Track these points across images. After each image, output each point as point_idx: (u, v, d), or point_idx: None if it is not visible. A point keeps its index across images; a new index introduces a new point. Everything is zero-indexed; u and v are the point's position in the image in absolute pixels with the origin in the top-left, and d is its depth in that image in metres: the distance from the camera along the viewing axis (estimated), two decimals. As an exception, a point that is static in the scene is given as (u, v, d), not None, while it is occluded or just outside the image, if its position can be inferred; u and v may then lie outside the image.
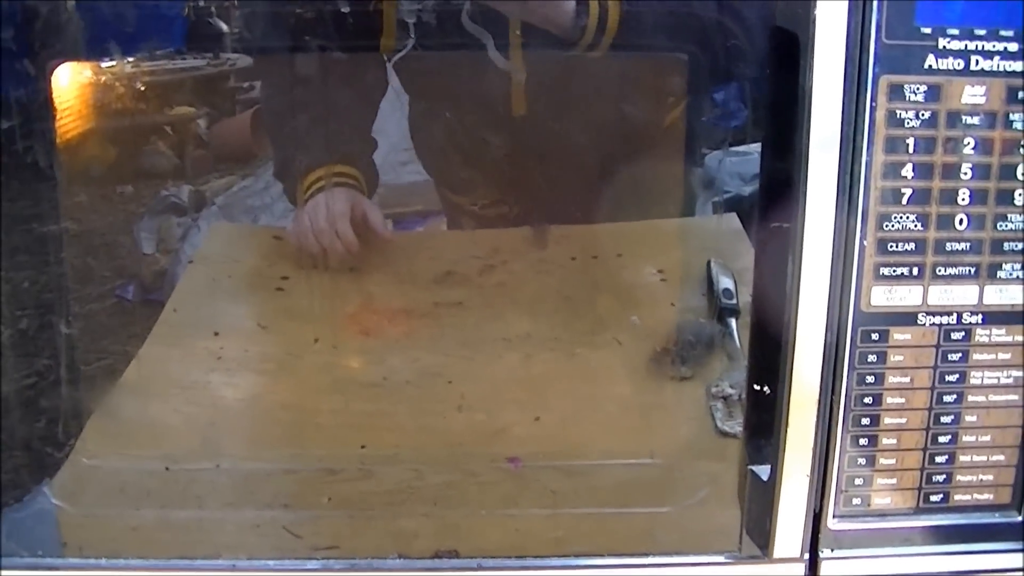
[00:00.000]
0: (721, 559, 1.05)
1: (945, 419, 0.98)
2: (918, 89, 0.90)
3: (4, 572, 1.08)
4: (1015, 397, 0.98)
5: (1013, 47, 0.90)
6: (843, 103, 0.90)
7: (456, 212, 1.71)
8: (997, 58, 0.90)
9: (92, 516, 1.16)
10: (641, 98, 1.48)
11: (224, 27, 1.28)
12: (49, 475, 1.18)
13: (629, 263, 1.47)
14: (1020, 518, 1.02)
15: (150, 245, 1.49)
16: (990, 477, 1.01)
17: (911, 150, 0.91)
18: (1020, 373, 0.98)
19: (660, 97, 1.47)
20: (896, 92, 0.90)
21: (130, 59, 1.28)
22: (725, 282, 1.35)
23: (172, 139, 1.54)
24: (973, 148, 0.91)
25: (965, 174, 0.92)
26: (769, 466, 0.99)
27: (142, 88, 1.33)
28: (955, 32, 0.89)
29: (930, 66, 0.90)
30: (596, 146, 1.55)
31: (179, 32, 1.29)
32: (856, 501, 1.00)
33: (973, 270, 0.94)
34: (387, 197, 1.55)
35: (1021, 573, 1.04)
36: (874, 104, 0.90)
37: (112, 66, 1.28)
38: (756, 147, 1.00)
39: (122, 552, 1.08)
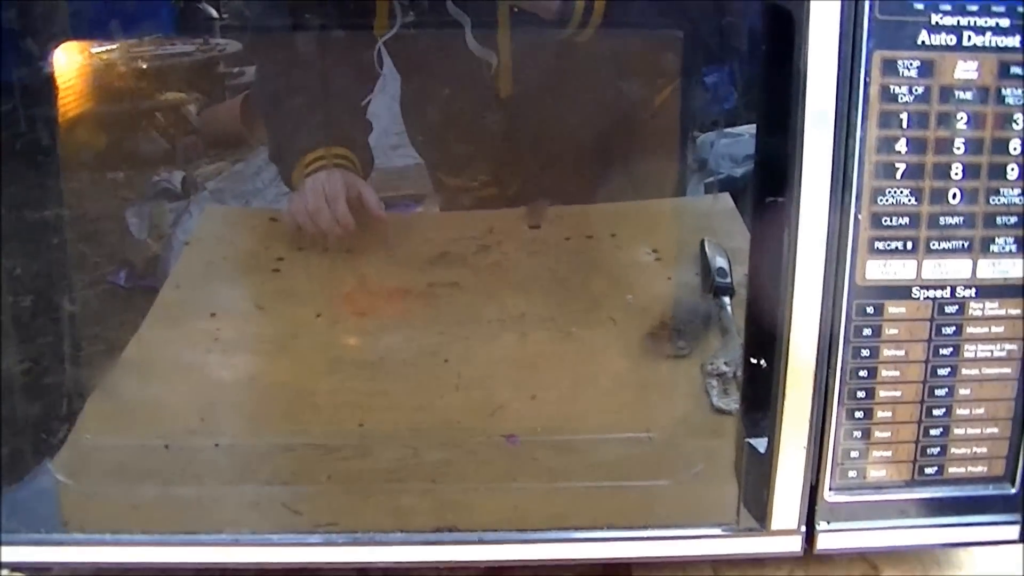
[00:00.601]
0: (718, 532, 1.06)
1: (939, 392, 0.99)
2: (911, 64, 0.91)
3: (7, 549, 1.08)
4: (1008, 370, 0.99)
5: (1005, 22, 0.90)
6: (837, 79, 0.90)
7: (449, 194, 1.71)
8: (989, 33, 0.91)
9: (93, 494, 1.17)
10: (633, 77, 1.48)
11: (214, 12, 1.29)
12: (50, 455, 1.19)
13: (623, 243, 1.48)
14: (1014, 490, 1.03)
15: (142, 231, 1.49)
16: (984, 450, 1.02)
17: (904, 125, 0.92)
18: (1013, 346, 0.99)
19: (653, 75, 1.47)
20: (889, 67, 0.91)
21: (120, 43, 1.28)
22: (719, 261, 1.36)
23: (163, 125, 1.54)
24: (966, 123, 0.92)
25: (958, 149, 0.93)
26: (766, 439, 1.00)
27: (133, 74, 1.34)
28: (947, 8, 0.90)
29: (923, 42, 0.91)
30: (587, 126, 1.55)
31: (169, 18, 1.30)
32: (852, 474, 1.01)
33: (966, 244, 0.95)
34: (379, 181, 1.55)
35: (1015, 544, 1.06)
36: (868, 80, 0.91)
37: (104, 51, 1.29)
38: (748, 129, 1.01)
39: (124, 529, 1.09)
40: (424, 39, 1.34)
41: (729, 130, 1.29)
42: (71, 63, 1.22)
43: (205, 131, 1.58)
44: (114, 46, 1.29)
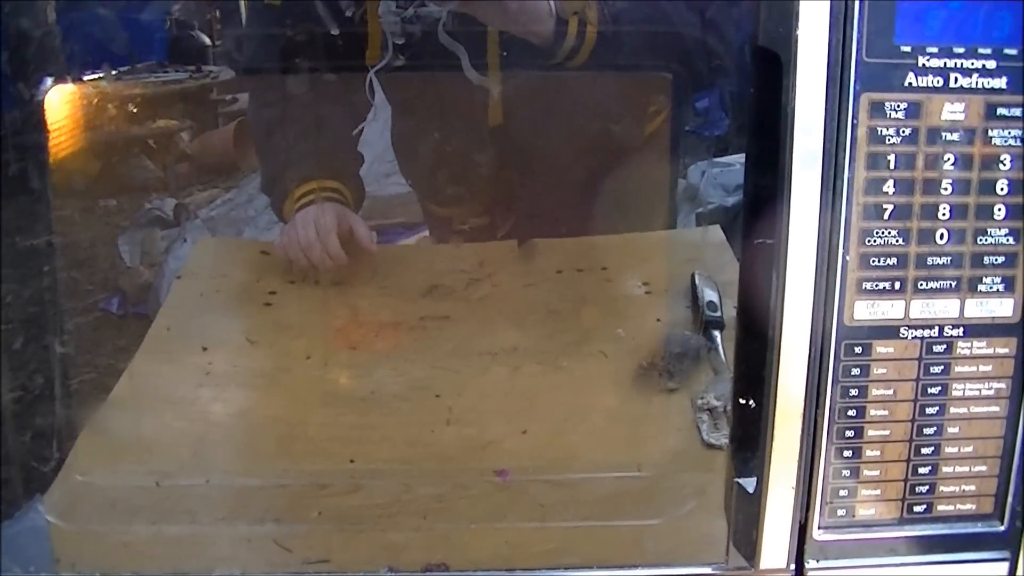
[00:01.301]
0: (708, 570, 1.06)
1: (928, 431, 0.99)
2: (899, 106, 0.91)
3: (-4, 587, 1.08)
4: (996, 409, 1.00)
5: (991, 64, 0.91)
6: (825, 120, 0.91)
7: (440, 226, 1.71)
8: (976, 75, 0.91)
9: (85, 532, 1.17)
10: (622, 111, 1.49)
11: (207, 41, 1.29)
12: (41, 490, 1.19)
13: (614, 276, 1.48)
14: (1002, 527, 1.03)
15: (134, 258, 1.49)
16: (972, 487, 1.02)
17: (892, 166, 0.92)
18: (1001, 385, 0.99)
19: (642, 111, 1.48)
20: (877, 109, 0.91)
21: (114, 72, 1.29)
22: (709, 295, 1.36)
23: (155, 152, 1.55)
24: (953, 164, 0.93)
25: (945, 189, 0.93)
26: (755, 478, 1.00)
27: (126, 102, 1.34)
28: (934, 50, 0.90)
29: (910, 83, 0.91)
30: (577, 158, 1.55)
31: (161, 46, 1.30)
32: (841, 512, 1.01)
33: (954, 284, 0.95)
34: (371, 209, 1.55)
35: (1004, 581, 1.06)
36: (855, 121, 0.91)
37: (97, 79, 1.29)
38: (738, 158, 1.01)
39: (115, 567, 1.09)
40: (415, 70, 1.34)
41: (720, 160, 1.29)
42: (63, 91, 1.22)
43: (198, 158, 1.59)
44: (109, 75, 1.30)
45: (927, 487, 1.02)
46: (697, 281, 1.38)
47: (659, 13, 1.22)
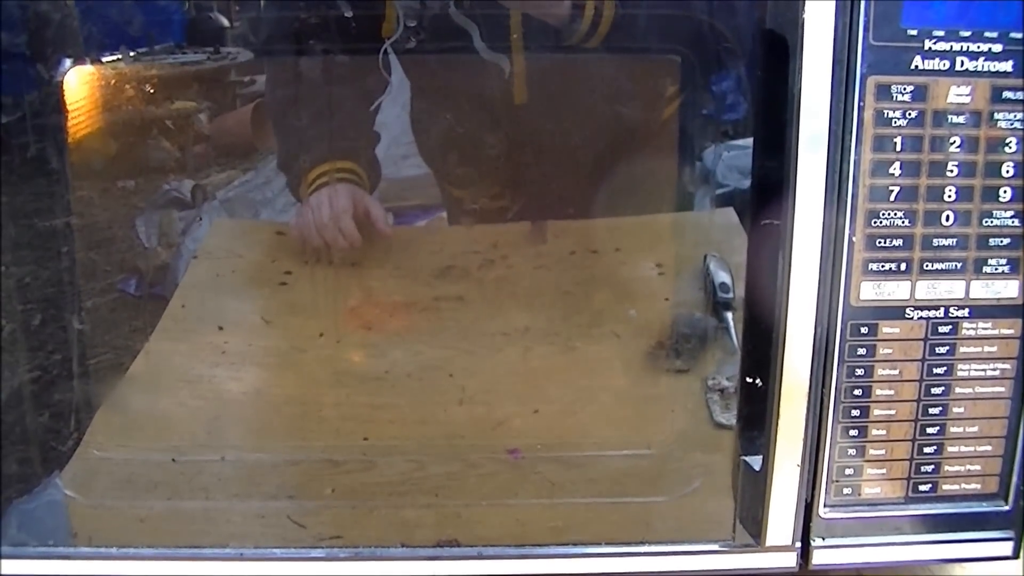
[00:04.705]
0: (715, 547, 1.07)
1: (933, 411, 1.00)
2: (905, 89, 0.92)
3: (16, 562, 1.10)
4: (1001, 389, 1.00)
5: (997, 48, 0.92)
6: (831, 103, 0.92)
7: (457, 206, 1.72)
8: (982, 59, 0.92)
9: (101, 507, 1.18)
10: (636, 94, 1.49)
11: (225, 22, 1.30)
12: (59, 467, 1.20)
13: (627, 258, 1.48)
14: (1007, 507, 1.04)
15: (151, 239, 1.50)
16: (977, 467, 1.03)
17: (898, 148, 0.93)
18: (1006, 365, 1.00)
19: (655, 94, 1.48)
20: (883, 92, 0.92)
21: (132, 54, 1.29)
22: (722, 276, 1.37)
23: (173, 133, 1.55)
24: (959, 146, 0.94)
25: (951, 171, 0.94)
26: (761, 457, 1.01)
27: (144, 84, 1.35)
28: (941, 33, 0.91)
29: (916, 67, 0.92)
30: (594, 140, 1.55)
31: (179, 28, 1.31)
32: (847, 491, 1.02)
33: (959, 265, 0.96)
34: (387, 191, 1.55)
35: (1009, 560, 1.07)
36: (862, 104, 0.92)
37: (115, 60, 1.30)
38: (753, 139, 1.02)
39: (131, 542, 1.10)
40: (432, 45, 1.35)
41: (735, 142, 1.29)
42: (81, 73, 1.23)
43: (215, 140, 1.59)
44: (127, 57, 1.31)
45: (932, 467, 1.02)
46: (710, 262, 1.38)
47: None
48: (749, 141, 1.08)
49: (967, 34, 0.91)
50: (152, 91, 1.36)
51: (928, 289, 0.97)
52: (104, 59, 1.28)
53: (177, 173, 1.49)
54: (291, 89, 1.52)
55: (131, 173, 1.44)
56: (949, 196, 0.94)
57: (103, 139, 1.36)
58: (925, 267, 0.96)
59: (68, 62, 1.17)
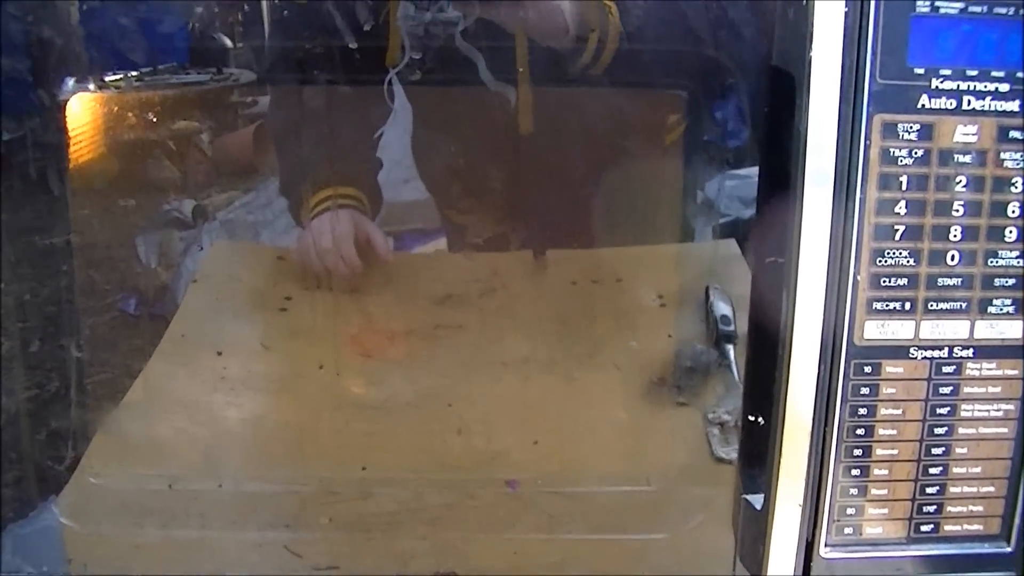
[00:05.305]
0: (715, 584, 1.07)
1: (936, 451, 1.00)
2: (911, 128, 0.92)
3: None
4: (1005, 430, 1.00)
5: (1004, 87, 0.91)
6: (838, 141, 0.91)
7: (457, 233, 1.71)
8: (989, 98, 0.91)
9: (96, 533, 1.18)
10: (641, 126, 1.49)
11: (228, 43, 1.30)
12: (56, 491, 1.20)
13: (628, 288, 1.48)
14: (1009, 548, 1.03)
15: (151, 259, 1.49)
16: (980, 508, 1.02)
17: (904, 187, 0.92)
18: (1010, 406, 0.99)
19: (660, 124, 1.48)
20: (889, 130, 0.91)
21: (134, 74, 1.29)
22: (723, 308, 1.36)
23: (175, 154, 1.55)
24: (965, 185, 0.93)
25: (957, 211, 0.93)
26: (763, 495, 1.01)
27: (147, 104, 1.35)
28: (947, 72, 0.91)
29: (923, 105, 0.91)
30: (596, 169, 1.56)
31: (182, 49, 1.31)
32: (848, 530, 1.02)
33: (964, 305, 0.96)
34: (387, 215, 1.55)
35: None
36: (868, 142, 0.91)
37: (117, 80, 1.30)
38: (755, 170, 1.02)
39: (126, 569, 1.10)
40: (438, 75, 1.35)
41: (737, 171, 1.29)
42: (83, 96, 1.23)
43: (217, 160, 1.59)
44: (129, 77, 1.30)
45: (935, 507, 1.02)
46: (711, 294, 1.38)
47: (676, 32, 1.22)
48: (750, 171, 1.08)
49: (974, 73, 0.91)
50: (154, 112, 1.36)
51: (932, 329, 0.96)
52: (107, 80, 1.28)
53: (178, 193, 1.49)
54: (295, 114, 1.52)
55: (132, 192, 1.43)
56: (954, 236, 0.94)
57: (105, 160, 1.36)
58: (930, 307, 0.95)
59: (71, 84, 1.17)
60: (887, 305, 0.95)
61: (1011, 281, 0.95)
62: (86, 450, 1.26)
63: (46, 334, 1.23)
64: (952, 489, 1.01)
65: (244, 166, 1.72)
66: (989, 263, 0.95)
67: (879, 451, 0.99)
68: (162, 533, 1.18)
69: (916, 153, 0.92)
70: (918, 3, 0.89)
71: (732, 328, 1.35)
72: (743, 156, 1.24)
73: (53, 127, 1.17)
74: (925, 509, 1.01)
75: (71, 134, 1.22)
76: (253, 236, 1.65)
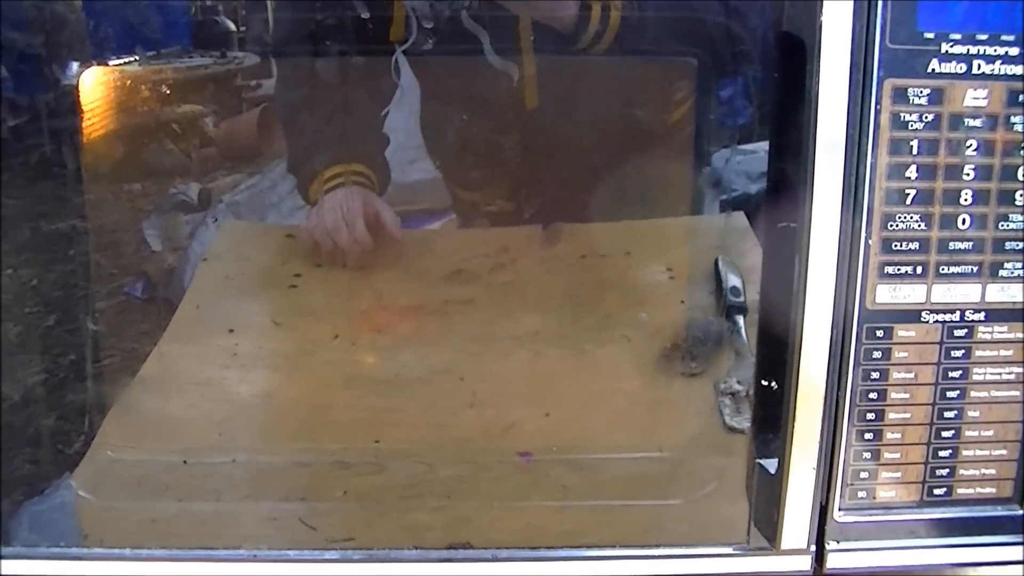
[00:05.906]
0: (729, 550, 1.07)
1: (948, 414, 1.00)
2: (921, 92, 0.92)
3: (23, 563, 1.09)
4: (1016, 393, 1.00)
5: (1014, 51, 0.92)
6: (848, 106, 0.91)
7: (466, 210, 1.71)
8: (998, 62, 0.92)
9: (112, 508, 1.18)
10: (649, 97, 1.49)
11: (231, 26, 1.30)
12: (70, 468, 1.20)
13: (637, 261, 1.48)
14: (1021, 512, 1.04)
15: (158, 243, 1.50)
16: (992, 471, 1.03)
17: (915, 152, 0.93)
18: (1021, 369, 1.00)
19: (667, 97, 1.48)
20: (900, 95, 0.92)
21: (135, 58, 1.30)
22: (732, 280, 1.37)
23: (180, 137, 1.55)
24: (975, 150, 0.93)
25: (967, 175, 0.94)
26: (776, 460, 1.01)
27: (153, 87, 1.35)
28: (957, 37, 0.91)
29: (933, 70, 0.92)
30: (604, 143, 1.55)
31: (186, 32, 1.31)
32: (861, 494, 1.02)
33: (975, 269, 0.96)
34: (395, 195, 1.55)
35: (1022, 565, 1.07)
36: (879, 107, 0.92)
37: (123, 63, 1.30)
38: (763, 145, 1.02)
39: (143, 543, 1.10)
40: (442, 50, 1.35)
41: (744, 147, 1.29)
42: (95, 74, 1.23)
43: (222, 143, 1.59)
44: (132, 59, 1.31)
45: (947, 470, 1.02)
46: (720, 266, 1.38)
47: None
48: (757, 146, 1.08)
49: (984, 37, 0.91)
50: (160, 94, 1.36)
51: (944, 292, 0.96)
52: (114, 62, 1.28)
53: (184, 176, 1.49)
54: (302, 90, 1.52)
55: (138, 176, 1.44)
56: (965, 199, 0.94)
57: (114, 141, 1.36)
58: (941, 270, 0.96)
59: (75, 67, 1.17)
60: (899, 269, 0.95)
61: (1021, 244, 0.96)
62: (100, 427, 1.26)
63: (58, 317, 1.24)
64: (964, 453, 1.02)
65: (249, 149, 1.72)
66: (1000, 227, 0.95)
67: (891, 415, 1.00)
68: (178, 507, 1.18)
69: (927, 118, 0.93)
70: (928, -33, 0.90)
71: (742, 299, 1.36)
72: (749, 133, 1.24)
73: (66, 108, 1.17)
74: (938, 473, 1.02)
75: (84, 116, 1.22)
76: (259, 218, 1.65)
